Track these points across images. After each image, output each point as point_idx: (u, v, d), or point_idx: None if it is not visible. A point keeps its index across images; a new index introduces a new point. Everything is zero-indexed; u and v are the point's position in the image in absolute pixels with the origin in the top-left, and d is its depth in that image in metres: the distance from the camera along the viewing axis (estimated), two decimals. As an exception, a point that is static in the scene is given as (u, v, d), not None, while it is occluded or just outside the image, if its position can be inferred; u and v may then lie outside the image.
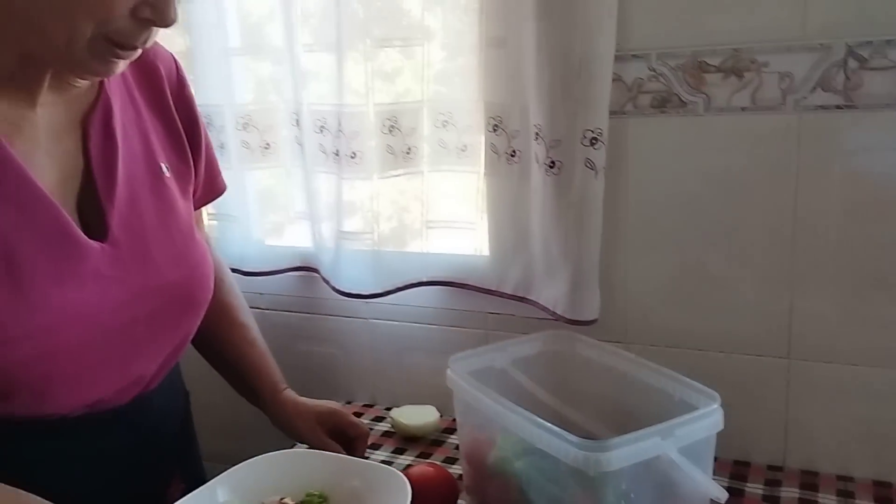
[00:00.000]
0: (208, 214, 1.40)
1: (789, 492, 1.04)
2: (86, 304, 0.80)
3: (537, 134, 1.09)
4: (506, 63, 1.13)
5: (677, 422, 0.84)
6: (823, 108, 0.99)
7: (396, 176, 1.22)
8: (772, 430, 1.12)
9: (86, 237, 0.80)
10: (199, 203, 1.02)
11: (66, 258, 0.79)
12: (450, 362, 1.03)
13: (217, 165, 1.04)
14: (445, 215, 1.25)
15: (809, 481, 1.07)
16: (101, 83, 0.86)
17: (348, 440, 1.05)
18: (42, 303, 0.76)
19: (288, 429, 1.06)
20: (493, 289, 1.23)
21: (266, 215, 1.43)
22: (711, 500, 0.83)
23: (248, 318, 1.10)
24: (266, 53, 1.31)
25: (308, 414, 1.05)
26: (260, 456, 1.00)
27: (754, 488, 1.06)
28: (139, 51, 0.78)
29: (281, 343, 1.31)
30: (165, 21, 0.75)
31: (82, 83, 0.83)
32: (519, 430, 0.88)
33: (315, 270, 1.34)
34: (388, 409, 1.31)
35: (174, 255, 0.89)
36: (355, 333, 1.38)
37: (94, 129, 0.84)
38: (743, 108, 1.03)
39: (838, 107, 0.99)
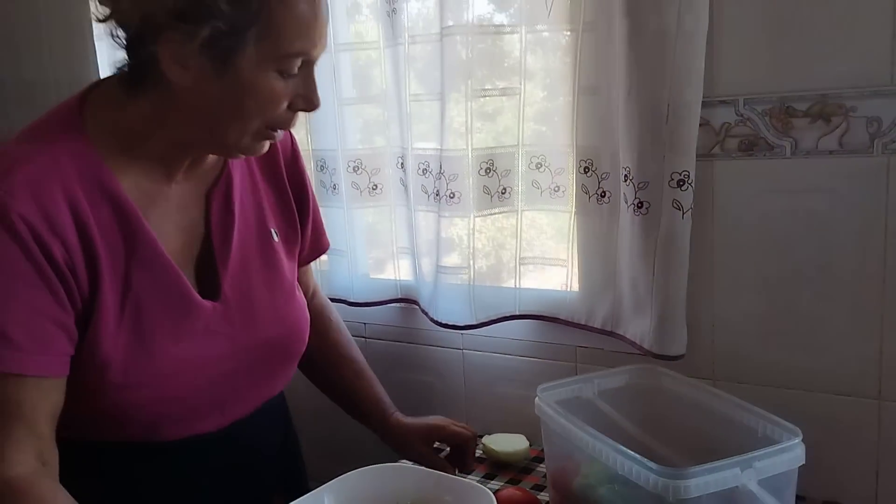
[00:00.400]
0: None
1: (881, 535, 1.04)
2: (196, 357, 0.93)
3: (626, 176, 1.15)
4: (598, 108, 1.19)
5: (757, 454, 0.87)
6: (913, 151, 1.01)
7: (492, 214, 1.30)
8: (863, 471, 1.11)
9: (200, 298, 0.93)
10: (305, 261, 1.14)
11: (183, 317, 0.91)
12: (538, 391, 1.09)
13: (322, 226, 1.16)
14: (538, 252, 1.32)
15: (903, 526, 1.06)
16: (228, 168, 0.99)
17: (457, 446, 1.14)
18: (160, 355, 0.89)
19: (399, 450, 1.16)
20: (583, 323, 1.28)
21: (372, 250, 1.54)
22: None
23: (355, 352, 1.22)
24: (375, 102, 1.42)
25: (415, 434, 1.14)
26: (364, 468, 1.09)
27: (844, 530, 1.06)
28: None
29: (382, 371, 1.40)
30: (314, 107, 0.90)
31: (210, 160, 0.97)
32: (602, 457, 0.93)
33: (415, 302, 1.43)
34: (481, 436, 1.37)
35: (275, 314, 1.01)
36: (451, 363, 1.46)
37: (215, 201, 0.97)
38: (831, 152, 1.06)
39: (928, 150, 1.00)
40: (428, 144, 1.31)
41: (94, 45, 1.70)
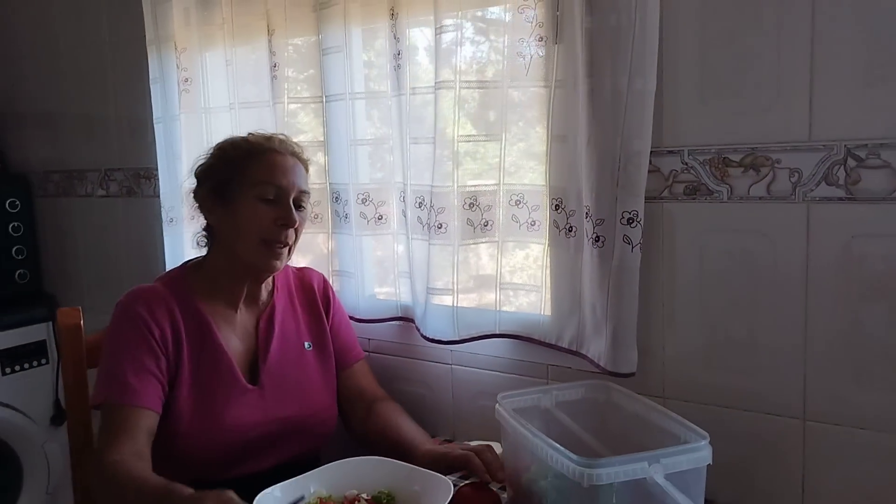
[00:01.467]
0: (333, 271, 1.71)
1: (798, 540, 1.16)
2: (239, 420, 1.36)
3: (587, 213, 1.32)
4: (566, 154, 1.37)
5: (664, 451, 1.01)
6: (828, 199, 1.15)
7: (475, 244, 1.48)
8: (791, 483, 1.23)
9: (245, 382, 1.39)
10: (341, 366, 1.53)
11: (232, 393, 1.37)
12: (498, 398, 1.25)
13: (352, 342, 1.57)
14: (515, 279, 1.49)
15: (820, 534, 1.18)
16: (273, 300, 1.47)
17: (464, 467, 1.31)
18: (213, 416, 1.35)
19: None
20: (553, 343, 1.44)
21: (377, 273, 1.72)
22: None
23: (403, 418, 1.48)
24: (383, 143, 1.62)
25: (429, 457, 1.34)
26: (345, 459, 1.27)
27: (767, 535, 1.18)
28: (286, 248, 1.38)
29: (381, 382, 1.59)
30: (290, 224, 1.35)
31: (264, 296, 1.46)
32: (536, 451, 1.09)
33: (411, 320, 1.61)
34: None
35: (300, 400, 1.43)
36: (441, 377, 1.63)
37: (262, 324, 1.45)
38: (760, 198, 1.21)
39: (840, 199, 1.14)
40: (423, 181, 1.50)
41: (149, 87, 1.95)
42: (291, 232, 1.37)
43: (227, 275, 1.41)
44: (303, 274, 1.56)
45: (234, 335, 1.42)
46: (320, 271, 1.62)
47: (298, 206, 1.39)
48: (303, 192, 1.40)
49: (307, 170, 1.46)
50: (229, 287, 1.42)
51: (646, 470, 1.00)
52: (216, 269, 1.42)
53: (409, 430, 1.45)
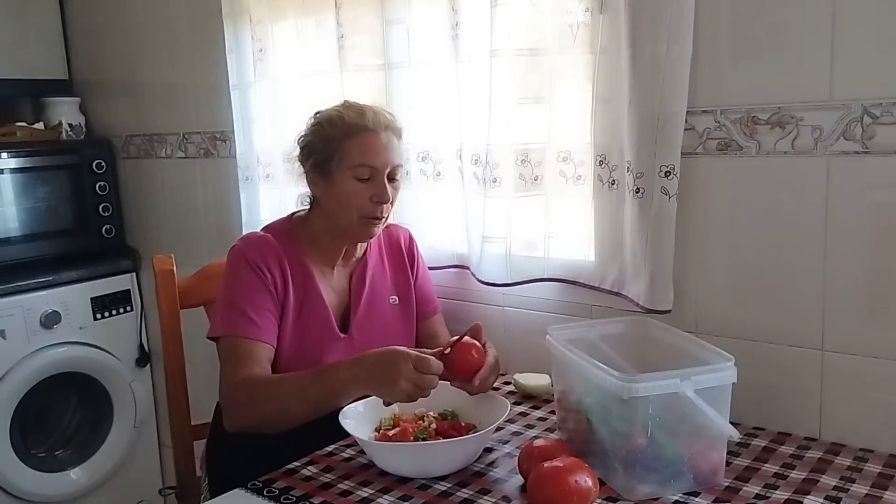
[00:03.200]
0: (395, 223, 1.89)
1: (813, 454, 1.31)
2: (328, 358, 1.49)
3: (628, 167, 1.47)
4: (609, 114, 1.51)
5: (695, 370, 1.18)
6: (846, 153, 1.29)
7: (526, 197, 1.64)
8: (810, 407, 1.39)
9: (338, 331, 1.57)
10: (420, 315, 1.71)
11: (326, 340, 1.56)
12: (549, 331, 1.42)
13: (430, 296, 1.74)
14: (563, 228, 1.65)
15: (833, 449, 1.33)
16: (366, 257, 1.63)
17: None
18: (308, 350, 1.53)
19: None
20: (597, 285, 1.60)
21: (436, 225, 1.90)
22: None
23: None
24: (443, 105, 1.78)
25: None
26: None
27: (786, 449, 1.34)
28: (383, 219, 1.52)
29: (440, 322, 1.77)
30: (384, 201, 1.49)
31: (358, 254, 1.63)
32: (583, 371, 1.26)
33: (466, 268, 1.79)
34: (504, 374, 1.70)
35: (385, 345, 1.42)
36: (494, 318, 1.80)
37: (355, 279, 1.62)
38: (785, 153, 1.35)
39: (857, 152, 1.28)
40: (479, 140, 1.66)
41: (225, 56, 2.14)
42: (387, 206, 1.50)
43: (329, 235, 1.56)
44: (390, 230, 1.69)
45: (330, 288, 1.58)
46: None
47: (392, 179, 1.50)
48: (396, 167, 1.50)
49: (400, 137, 1.53)
50: (330, 245, 1.57)
51: (678, 385, 1.16)
52: (319, 229, 1.56)
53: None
